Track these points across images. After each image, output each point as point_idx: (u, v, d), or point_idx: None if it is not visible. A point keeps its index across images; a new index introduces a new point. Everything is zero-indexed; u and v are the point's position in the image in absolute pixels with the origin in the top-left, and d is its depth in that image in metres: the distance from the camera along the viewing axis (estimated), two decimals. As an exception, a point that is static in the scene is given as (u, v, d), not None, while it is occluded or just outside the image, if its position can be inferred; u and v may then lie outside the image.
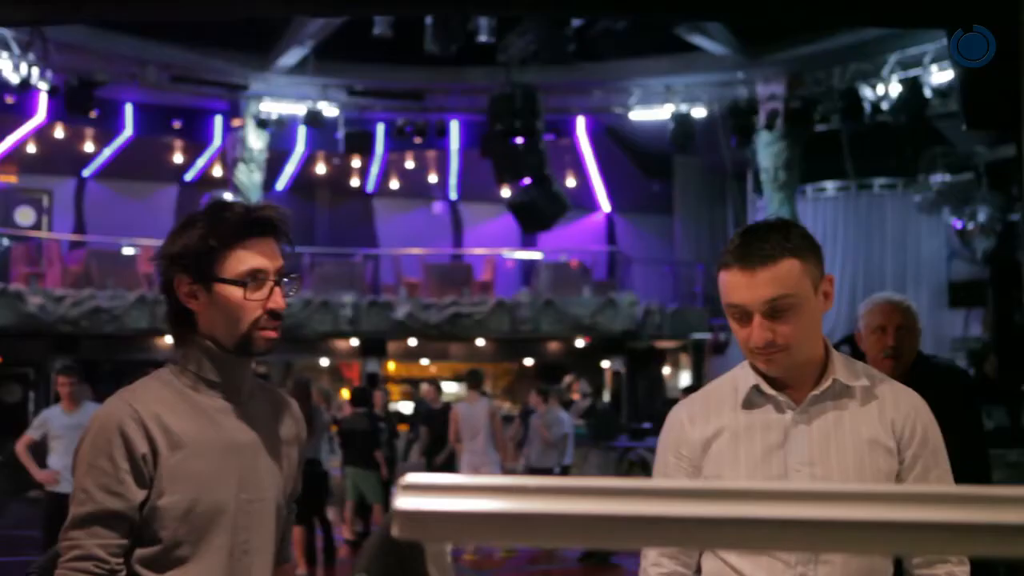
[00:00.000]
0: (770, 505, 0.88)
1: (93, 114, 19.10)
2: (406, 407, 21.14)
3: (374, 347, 22.16)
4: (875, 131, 19.13)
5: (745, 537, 0.93)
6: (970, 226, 19.09)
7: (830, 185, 21.78)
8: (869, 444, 2.20)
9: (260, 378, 2.71)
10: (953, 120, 17.05)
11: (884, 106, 17.97)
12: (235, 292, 2.23)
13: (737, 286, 2.19)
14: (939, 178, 19.73)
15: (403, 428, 17.59)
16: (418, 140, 21.56)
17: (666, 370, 24.50)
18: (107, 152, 23.05)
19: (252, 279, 2.24)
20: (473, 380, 13.17)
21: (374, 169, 24.80)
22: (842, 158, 20.67)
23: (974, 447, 3.79)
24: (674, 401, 18.08)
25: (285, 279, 2.31)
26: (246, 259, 2.24)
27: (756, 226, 2.30)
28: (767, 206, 20.62)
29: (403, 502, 1.00)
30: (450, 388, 20.87)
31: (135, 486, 2.15)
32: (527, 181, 18.96)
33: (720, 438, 2.22)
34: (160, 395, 2.25)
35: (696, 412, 2.28)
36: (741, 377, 2.29)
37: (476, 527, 1.02)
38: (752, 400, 2.22)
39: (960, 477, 2.47)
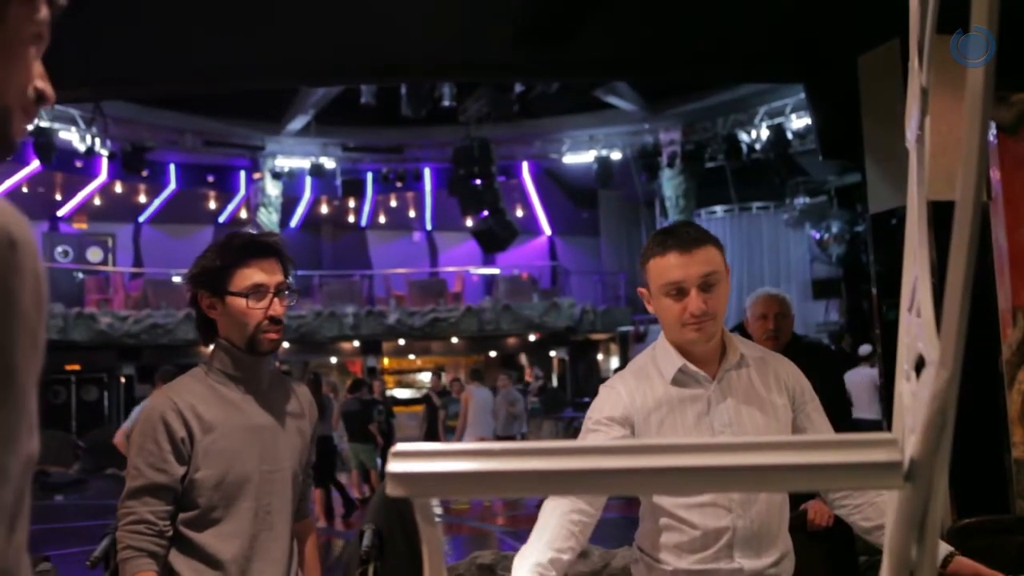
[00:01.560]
0: (696, 456, 0.87)
1: (144, 173, 18.92)
2: (401, 392, 21.04)
3: (372, 347, 22.02)
4: (751, 166, 19.26)
5: (673, 483, 0.92)
6: (826, 236, 19.25)
7: (719, 208, 21.89)
8: (771, 403, 2.17)
9: (283, 374, 2.66)
10: (810, 155, 17.22)
11: (757, 147, 18.14)
12: (241, 302, 2.20)
13: (675, 266, 2.11)
14: (801, 200, 19.87)
15: (398, 409, 17.48)
16: (399, 184, 21.52)
17: (599, 356, 24.52)
18: (156, 202, 22.84)
19: (254, 292, 2.20)
20: (476, 374, 13.15)
21: (366, 208, 24.69)
22: (727, 187, 20.80)
23: (840, 406, 3.79)
24: (607, 379, 18.33)
25: (285, 291, 2.26)
26: (249, 276, 2.21)
27: (676, 225, 2.24)
28: (671, 226, 20.70)
29: (394, 466, 0.99)
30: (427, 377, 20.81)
31: (176, 463, 2.11)
32: (485, 213, 18.94)
33: (659, 411, 2.14)
34: (193, 389, 2.21)
35: (632, 388, 2.18)
36: (663, 360, 2.20)
37: (453, 484, 0.99)
38: (678, 378, 2.16)
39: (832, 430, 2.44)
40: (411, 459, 0.99)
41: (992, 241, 6.29)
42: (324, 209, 24.24)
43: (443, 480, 0.98)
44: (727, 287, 2.16)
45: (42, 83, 0.72)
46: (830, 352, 4.03)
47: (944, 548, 2.10)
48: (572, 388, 22.68)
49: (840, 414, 3.50)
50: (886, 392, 4.02)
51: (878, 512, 2.14)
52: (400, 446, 1.06)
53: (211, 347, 2.31)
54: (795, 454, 0.89)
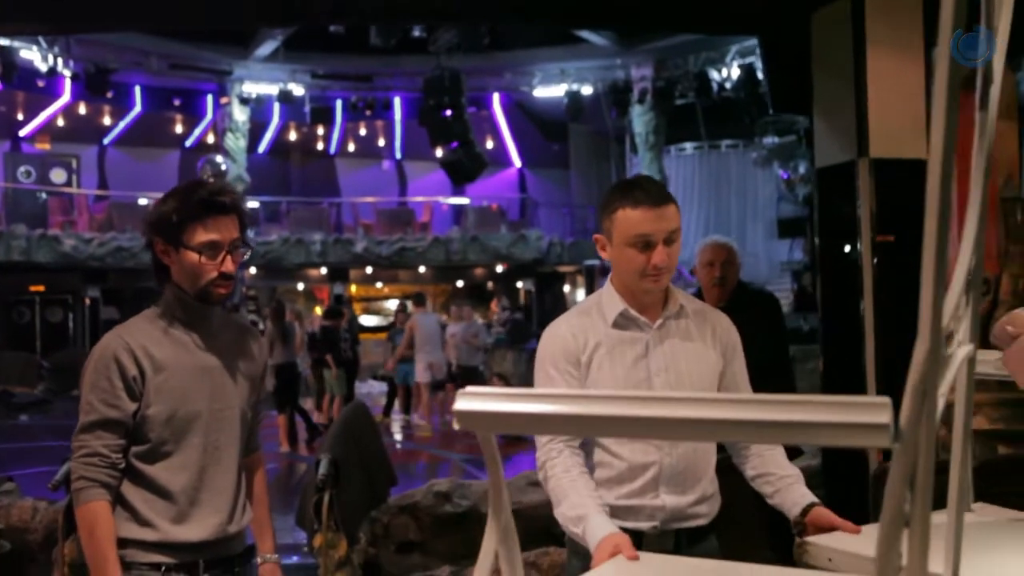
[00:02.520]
0: (709, 408, 1.06)
1: (109, 94, 18.63)
2: (367, 320, 21.15)
3: (339, 274, 22.06)
4: (722, 104, 19.25)
5: (694, 432, 1.10)
6: (793, 176, 19.37)
7: (688, 145, 21.92)
8: (704, 353, 2.28)
9: (233, 310, 2.72)
10: (780, 95, 17.24)
11: (728, 85, 18.12)
12: (194, 257, 2.23)
13: (646, 220, 2.18)
14: (770, 140, 19.94)
15: (364, 336, 17.58)
16: (368, 113, 21.34)
17: (566, 288, 24.69)
18: (122, 124, 22.50)
19: (209, 248, 2.24)
20: (418, 300, 13.25)
21: (335, 135, 24.49)
22: (697, 125, 20.80)
23: (781, 357, 3.90)
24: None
25: (239, 247, 2.29)
26: (205, 232, 2.23)
27: (640, 179, 2.32)
28: (641, 162, 20.72)
29: (461, 404, 1.22)
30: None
31: (128, 400, 2.18)
32: (455, 144, 18.87)
33: (599, 350, 2.23)
34: (146, 330, 2.27)
35: (575, 327, 2.27)
36: (607, 304, 2.29)
37: (514, 422, 1.26)
38: (619, 322, 2.26)
39: (770, 376, 2.57)
40: (477, 399, 1.23)
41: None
42: (292, 136, 23.99)
43: (505, 419, 1.23)
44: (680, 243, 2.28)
45: None
46: (775, 302, 4.15)
47: (803, 497, 2.18)
48: (538, 320, 22.88)
49: (781, 367, 3.60)
50: (823, 337, 4.19)
51: (763, 463, 2.28)
52: (469, 388, 1.27)
53: (158, 286, 2.36)
54: (793, 411, 1.02)
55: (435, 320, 12.59)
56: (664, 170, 20.15)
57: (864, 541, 1.94)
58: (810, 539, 1.96)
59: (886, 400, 1.00)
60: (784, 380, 3.78)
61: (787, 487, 2.23)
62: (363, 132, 24.47)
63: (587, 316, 2.30)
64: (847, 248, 4.01)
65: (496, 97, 23.01)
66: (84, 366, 2.24)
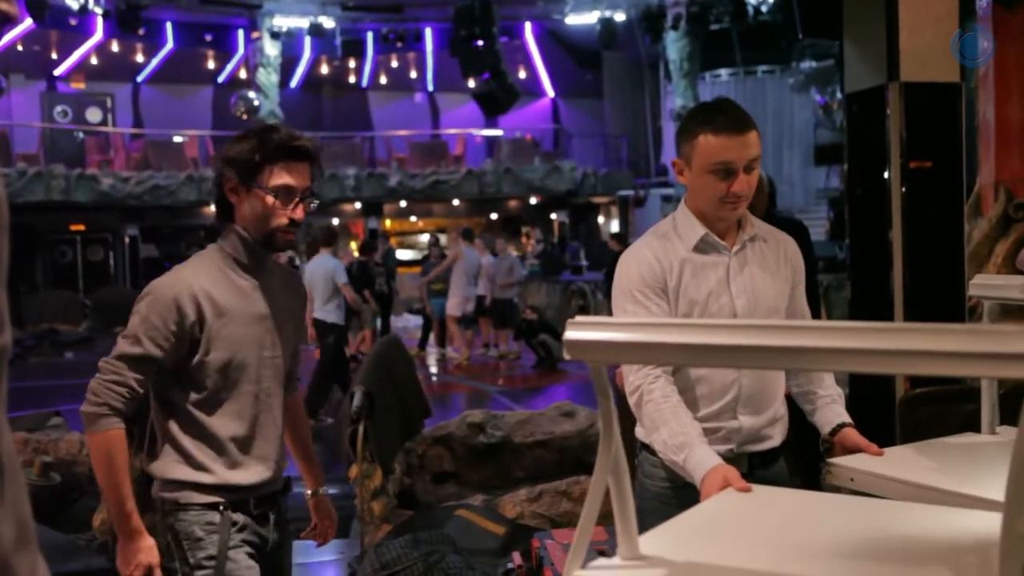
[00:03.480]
0: (853, 337, 1.07)
1: (141, 31, 18.64)
2: (403, 254, 21.27)
3: (373, 209, 22.12)
4: (757, 29, 18.90)
5: (833, 361, 1.12)
6: (831, 101, 19.04)
7: (723, 72, 21.57)
8: (777, 277, 2.31)
9: (283, 263, 2.72)
10: (817, 18, 16.86)
11: (763, 8, 17.75)
12: (267, 200, 2.21)
13: (728, 147, 2.15)
14: (807, 65, 19.59)
15: (400, 270, 17.67)
16: (400, 45, 21.22)
17: (600, 219, 24.61)
18: (154, 62, 22.59)
19: (284, 192, 2.21)
20: (466, 234, 13.26)
21: (367, 68, 24.36)
22: (732, 51, 20.44)
23: (808, 282, 3.88)
24: (604, 244, 17.98)
25: (309, 197, 2.27)
26: (281, 176, 2.20)
27: (722, 103, 2.24)
28: (675, 89, 20.45)
29: (571, 334, 1.25)
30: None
31: (176, 345, 2.18)
32: (487, 75, 18.70)
33: (684, 275, 2.24)
34: (208, 272, 2.25)
35: (658, 251, 2.26)
36: (685, 227, 2.29)
37: (623, 352, 1.28)
38: (700, 246, 2.26)
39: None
40: (586, 328, 1.25)
41: (980, 117, 6.31)
42: (324, 70, 23.93)
43: (616, 348, 1.25)
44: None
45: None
46: (804, 230, 4.13)
47: (837, 417, 2.21)
48: (571, 252, 22.88)
49: (809, 296, 3.60)
50: (852, 265, 4.16)
51: (808, 380, 2.31)
52: (577, 318, 1.29)
53: (219, 225, 2.33)
54: (945, 341, 1.03)
55: (477, 257, 12.62)
56: (699, 97, 19.86)
57: (886, 463, 1.97)
58: (834, 460, 1.99)
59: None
60: (812, 310, 3.77)
61: (824, 406, 2.26)
62: (395, 64, 24.34)
63: (667, 240, 2.29)
64: (877, 174, 3.96)
65: (528, 26, 22.75)
66: (139, 297, 2.21)
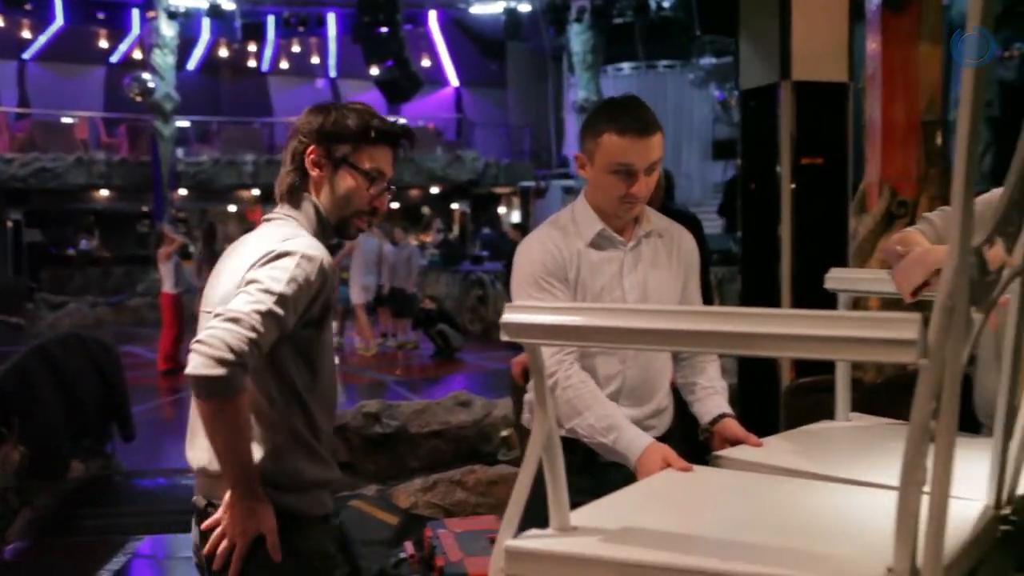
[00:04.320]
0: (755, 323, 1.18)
1: (27, 6, 17.93)
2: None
3: (272, 196, 21.75)
4: (660, 24, 19.19)
5: (739, 345, 1.22)
6: (729, 97, 19.47)
7: (626, 66, 21.85)
8: (670, 273, 2.35)
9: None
10: (716, 15, 17.23)
11: (665, 4, 18.04)
12: (358, 180, 2.04)
13: (632, 150, 2.16)
14: (707, 61, 19.97)
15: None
16: (302, 29, 20.92)
17: (501, 210, 24.69)
18: (42, 39, 21.75)
19: (376, 176, 2.06)
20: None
21: (267, 53, 23.92)
22: (635, 45, 20.72)
23: (704, 279, 3.96)
24: (504, 234, 18.03)
25: (390, 189, 2.12)
26: (377, 159, 2.05)
27: (629, 102, 2.24)
28: (578, 82, 20.63)
29: (508, 316, 1.32)
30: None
31: (295, 317, 1.92)
32: (390, 63, 18.57)
33: (582, 265, 2.27)
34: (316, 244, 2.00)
35: (559, 243, 2.28)
36: (583, 221, 2.30)
37: (556, 333, 1.34)
38: (596, 241, 2.28)
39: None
40: (524, 312, 1.32)
41: (866, 117, 6.53)
42: (223, 53, 23.38)
43: (552, 330, 1.32)
44: None
45: None
46: (696, 223, 4.20)
47: (717, 408, 2.27)
48: (471, 242, 22.92)
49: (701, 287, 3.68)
50: (743, 258, 4.27)
51: (693, 372, 2.37)
52: (515, 302, 1.38)
53: (289, 197, 2.08)
54: (826, 326, 1.13)
55: (376, 243, 12.48)
56: (601, 90, 20.09)
57: (765, 453, 2.04)
58: (719, 453, 2.04)
59: (916, 316, 1.06)
60: (706, 303, 3.85)
61: (706, 396, 2.32)
62: (296, 49, 23.92)
63: (566, 232, 2.31)
64: (769, 170, 4.07)
65: (433, 14, 22.67)
66: (276, 255, 1.91)
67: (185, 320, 10.36)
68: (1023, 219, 1.38)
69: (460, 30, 23.76)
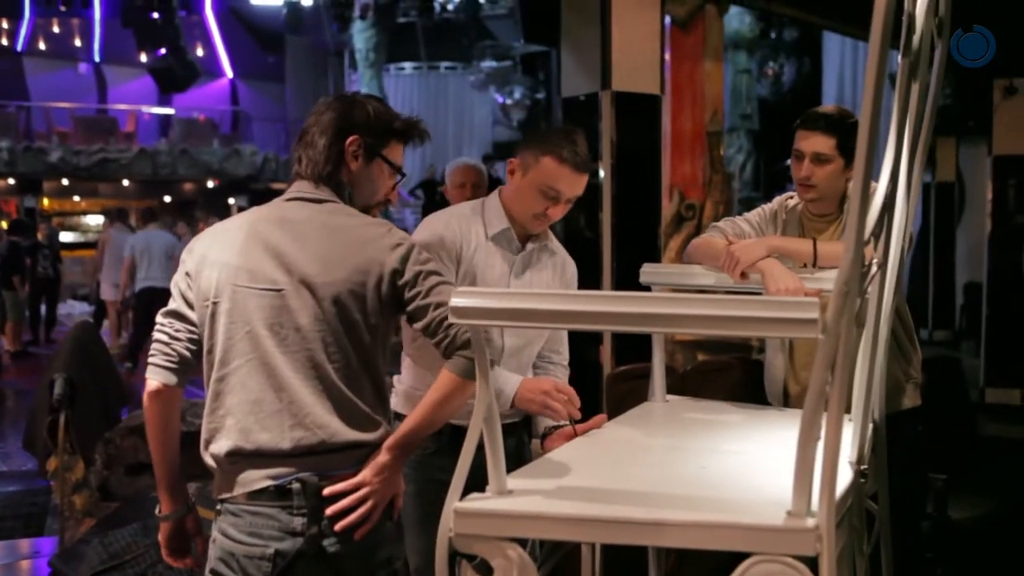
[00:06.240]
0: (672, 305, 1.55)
1: None
2: (65, 236, 19.75)
3: (30, 186, 20.37)
4: (442, 25, 19.50)
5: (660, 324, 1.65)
6: (509, 101, 20.09)
7: (408, 65, 21.99)
8: (552, 287, 2.56)
9: None
10: (499, 20, 17.75)
11: (449, 7, 18.39)
12: (387, 171, 2.16)
13: (566, 179, 2.36)
14: (488, 64, 20.49)
15: (66, 254, 16.43)
16: (63, 8, 19.72)
17: (281, 206, 24.20)
18: None
19: (398, 171, 2.19)
20: (120, 215, 12.64)
21: (23, 31, 22.35)
22: (417, 45, 20.93)
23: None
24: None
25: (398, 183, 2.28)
26: (400, 154, 2.18)
27: (577, 136, 2.42)
28: (361, 79, 20.59)
29: (457, 301, 1.50)
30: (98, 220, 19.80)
31: None
32: (163, 51, 17.88)
33: (477, 254, 2.43)
34: None
35: (463, 226, 2.45)
36: (492, 216, 2.47)
37: (507, 317, 1.52)
38: (497, 237, 2.46)
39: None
40: (471, 296, 1.50)
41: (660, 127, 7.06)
42: (-29, 28, 21.66)
43: (500, 313, 1.51)
44: None
45: None
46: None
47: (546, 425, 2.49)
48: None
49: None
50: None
51: (543, 374, 2.63)
52: (462, 287, 1.60)
53: (326, 179, 2.13)
54: (735, 307, 1.37)
55: (127, 238, 11.91)
56: (383, 89, 20.17)
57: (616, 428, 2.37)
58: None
59: (815, 300, 1.32)
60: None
61: (546, 373, 2.62)
62: (56, 30, 22.49)
63: (471, 220, 2.48)
64: (591, 173, 4.39)
65: (208, 2, 21.95)
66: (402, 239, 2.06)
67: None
68: (885, 225, 1.71)
69: (237, 20, 23.12)
